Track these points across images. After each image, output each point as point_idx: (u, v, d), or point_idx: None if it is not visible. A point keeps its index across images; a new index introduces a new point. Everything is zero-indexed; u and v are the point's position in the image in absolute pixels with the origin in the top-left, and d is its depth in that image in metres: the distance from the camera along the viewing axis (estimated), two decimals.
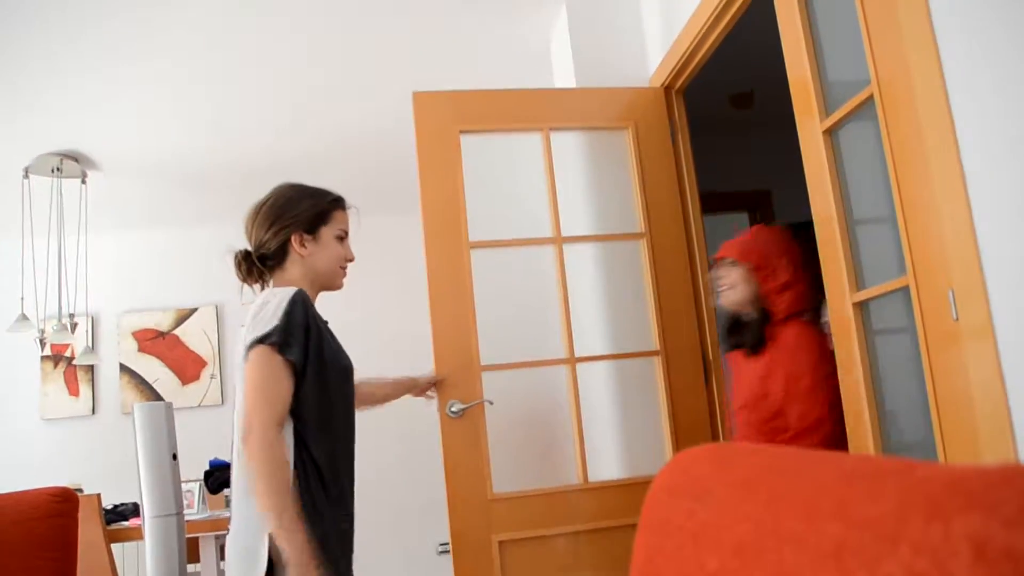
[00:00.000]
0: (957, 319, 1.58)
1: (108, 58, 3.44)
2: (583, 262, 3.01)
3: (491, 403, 2.72)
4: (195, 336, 5.46)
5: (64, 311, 4.59)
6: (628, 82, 3.17)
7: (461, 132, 2.89)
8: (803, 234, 2.81)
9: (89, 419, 5.34)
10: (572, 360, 2.83)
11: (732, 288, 2.43)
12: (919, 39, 1.61)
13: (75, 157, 4.34)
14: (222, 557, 2.90)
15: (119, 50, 3.38)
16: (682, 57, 2.90)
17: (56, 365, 5.35)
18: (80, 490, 4.09)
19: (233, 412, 1.89)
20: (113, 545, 3.72)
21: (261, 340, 1.76)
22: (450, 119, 2.90)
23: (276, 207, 2.02)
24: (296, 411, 1.80)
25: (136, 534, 3.85)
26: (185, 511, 3.39)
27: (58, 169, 4.32)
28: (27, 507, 2.10)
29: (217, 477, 3.61)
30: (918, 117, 1.63)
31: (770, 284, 2.36)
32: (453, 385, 2.71)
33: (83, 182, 4.48)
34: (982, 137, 1.50)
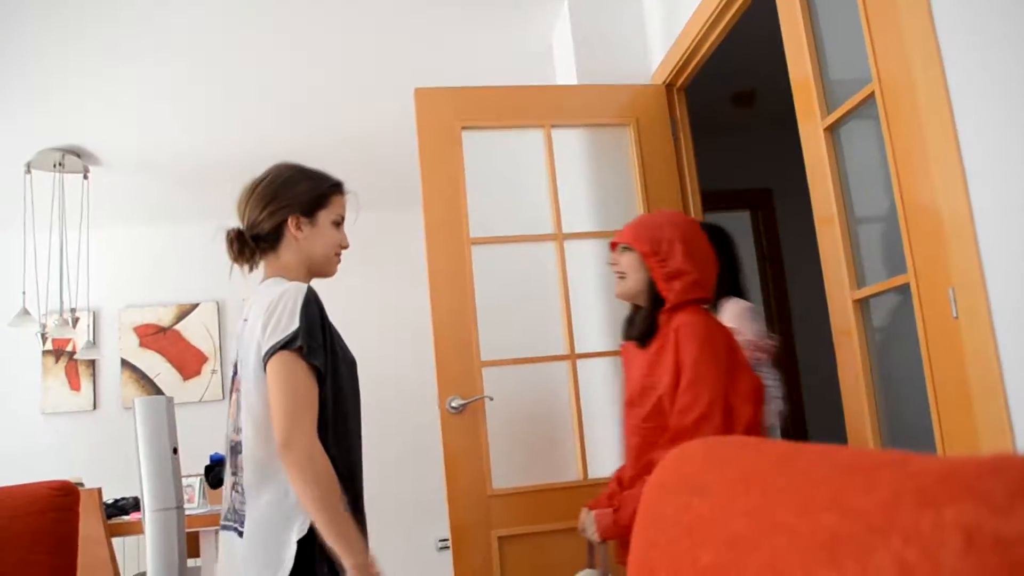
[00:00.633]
0: (957, 316, 1.58)
1: (110, 54, 3.44)
2: (584, 259, 3.01)
3: (491, 399, 2.73)
4: (196, 331, 5.46)
5: (66, 306, 4.60)
6: (630, 79, 3.17)
7: (463, 128, 2.90)
8: (716, 234, 2.74)
9: (90, 414, 5.35)
10: (572, 356, 2.83)
11: (625, 276, 2.23)
12: (920, 37, 1.61)
13: (77, 152, 4.34)
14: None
15: (121, 47, 3.39)
16: (684, 55, 2.90)
17: (57, 360, 5.36)
18: (81, 484, 4.10)
19: (235, 408, 1.87)
20: (113, 539, 3.72)
21: (285, 346, 1.72)
22: (452, 115, 2.90)
23: (273, 186, 1.95)
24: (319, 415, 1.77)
25: (136, 528, 3.86)
26: (185, 506, 3.39)
27: (60, 164, 4.33)
28: (27, 501, 2.10)
29: (218, 472, 3.61)
30: (919, 115, 1.63)
31: (661, 270, 2.14)
32: (453, 381, 2.71)
33: (85, 177, 4.49)
34: (983, 135, 1.50)
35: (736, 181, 4.78)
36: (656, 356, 2.12)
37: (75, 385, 5.35)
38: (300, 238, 1.94)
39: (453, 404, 2.67)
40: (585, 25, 3.29)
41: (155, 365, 5.42)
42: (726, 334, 2.10)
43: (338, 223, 2.00)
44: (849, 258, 1.98)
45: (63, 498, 2.10)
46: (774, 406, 2.74)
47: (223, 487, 1.96)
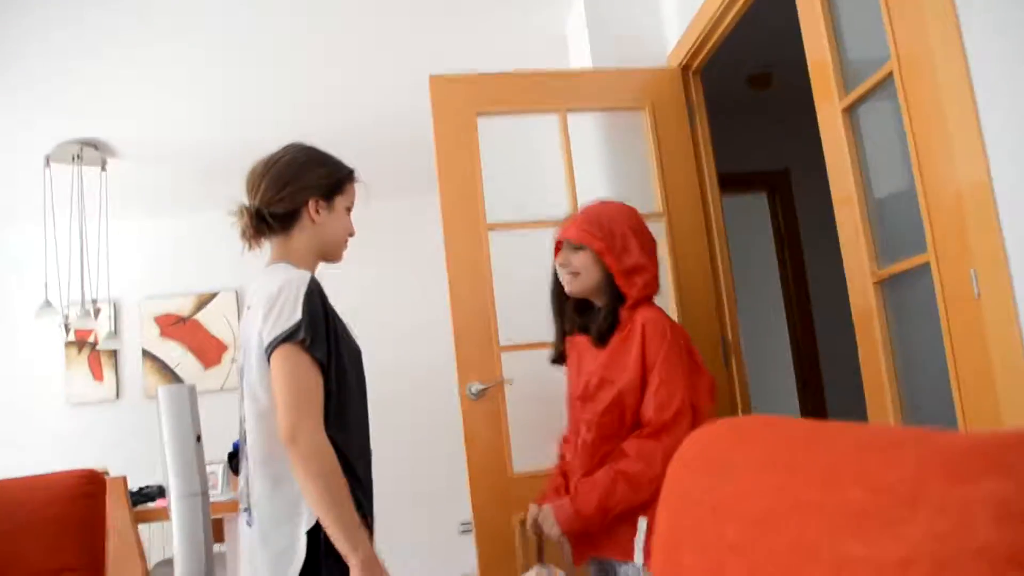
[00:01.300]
0: (979, 296, 1.57)
1: (126, 46, 3.46)
2: None
3: (510, 383, 2.74)
4: (216, 321, 5.51)
5: (87, 297, 4.64)
6: (645, 62, 3.16)
7: (478, 114, 2.90)
8: None
9: (113, 403, 5.41)
10: None
11: (579, 275, 2.17)
12: (940, 13, 1.60)
13: (95, 144, 4.38)
14: None
15: (137, 38, 3.41)
16: (699, 37, 2.88)
17: (80, 350, 5.42)
18: (106, 473, 4.15)
19: (243, 399, 1.87)
20: (139, 526, 3.77)
21: (287, 338, 1.70)
22: (467, 102, 2.90)
23: (293, 167, 1.92)
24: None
25: (161, 515, 3.91)
26: (209, 492, 3.43)
27: (78, 157, 4.36)
28: (56, 489, 2.13)
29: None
30: (939, 93, 1.62)
31: (620, 266, 2.10)
32: (472, 366, 2.72)
33: (103, 169, 4.52)
34: (1004, 112, 1.49)
35: (753, 163, 4.76)
36: (617, 351, 2.10)
37: (98, 375, 5.41)
38: (318, 222, 1.92)
39: (473, 389, 2.68)
40: (599, 8, 3.27)
41: (176, 354, 5.47)
42: (683, 330, 2.15)
43: (349, 210, 2.00)
44: (868, 239, 1.97)
45: (90, 486, 2.13)
46: None
47: (240, 473, 1.96)
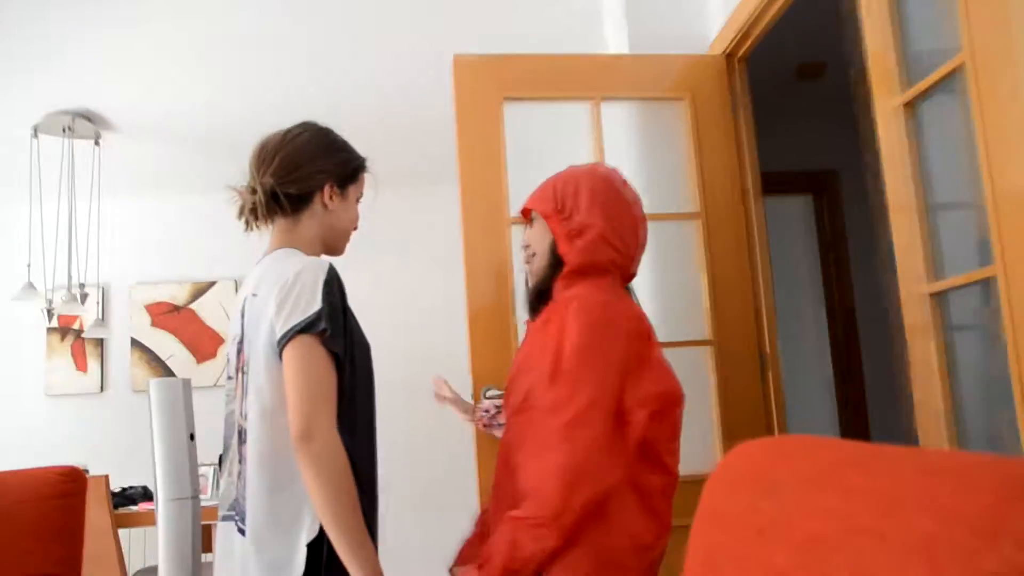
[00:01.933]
0: None
1: (126, 10, 3.48)
2: None
3: None
4: (212, 311, 5.53)
5: (74, 281, 4.67)
6: (686, 48, 3.15)
7: (504, 100, 2.90)
8: None
9: (97, 396, 5.44)
10: None
11: (535, 252, 1.96)
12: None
13: (88, 116, 4.40)
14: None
15: (137, 4, 3.42)
16: (746, 22, 2.87)
17: (63, 338, 5.46)
18: (87, 471, 4.18)
19: (242, 391, 1.84)
20: (120, 530, 3.79)
21: (305, 328, 1.68)
22: (493, 86, 2.90)
23: (311, 148, 1.91)
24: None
25: (145, 519, 3.93)
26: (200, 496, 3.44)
27: (70, 129, 4.39)
28: (33, 486, 2.13)
29: None
30: (1018, 89, 1.60)
31: (563, 228, 1.86)
32: (488, 369, 2.72)
33: (96, 143, 4.55)
34: None
35: (799, 162, 4.74)
36: (540, 335, 1.86)
37: (81, 366, 5.45)
38: (331, 208, 1.92)
39: (488, 394, 2.68)
40: None
41: (167, 346, 5.50)
42: (632, 318, 1.79)
43: (358, 201, 2.01)
44: (926, 248, 1.96)
45: (70, 484, 2.13)
46: None
47: (223, 474, 1.93)
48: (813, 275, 4.94)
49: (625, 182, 1.96)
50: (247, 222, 1.91)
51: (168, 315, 5.53)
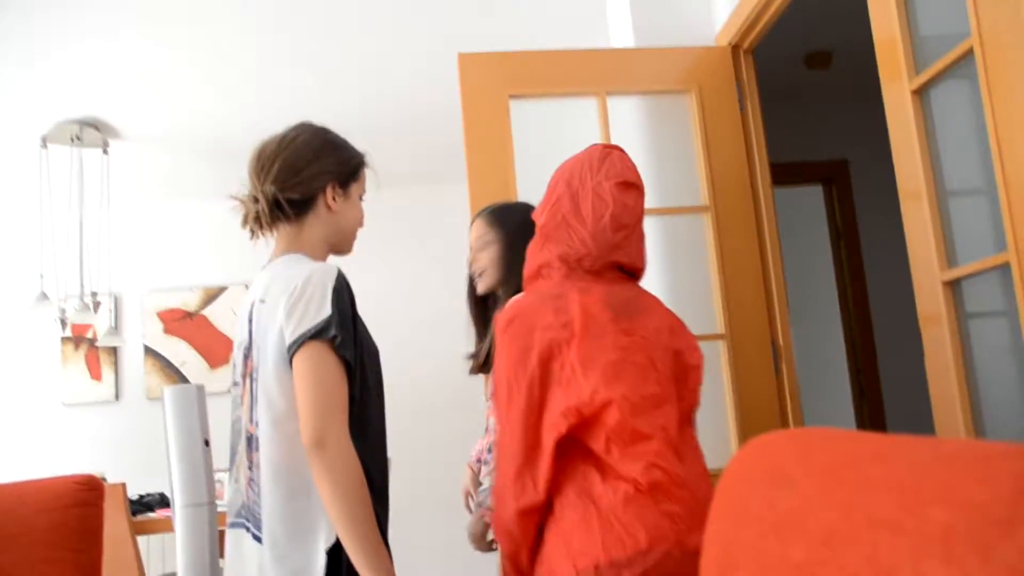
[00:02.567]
0: None
1: (131, 20, 3.49)
2: None
3: None
4: (224, 317, 5.55)
5: (86, 290, 4.69)
6: (692, 41, 3.14)
7: (511, 96, 2.90)
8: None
9: (112, 404, 5.47)
10: None
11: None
12: None
13: (96, 125, 4.42)
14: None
15: (142, 11, 3.44)
16: (752, 12, 2.86)
17: (77, 347, 5.48)
18: (104, 479, 4.20)
19: (250, 398, 1.84)
20: (138, 538, 3.81)
21: (316, 335, 1.67)
22: (499, 82, 2.90)
23: (309, 150, 1.89)
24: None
25: (163, 526, 3.95)
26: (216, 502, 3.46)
27: (78, 138, 4.41)
28: (52, 495, 2.13)
29: None
30: None
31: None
32: None
33: (104, 152, 4.57)
34: None
35: (809, 152, 4.72)
36: None
37: (96, 374, 5.47)
38: (335, 210, 1.90)
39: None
40: None
41: (181, 352, 5.52)
42: (551, 324, 1.67)
43: (361, 198, 1.99)
44: (939, 236, 1.95)
45: (88, 492, 2.13)
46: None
47: (231, 480, 1.92)
48: (825, 265, 4.92)
49: (605, 158, 1.82)
50: (252, 231, 1.90)
51: (180, 322, 5.55)
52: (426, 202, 5.59)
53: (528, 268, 1.82)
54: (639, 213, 1.83)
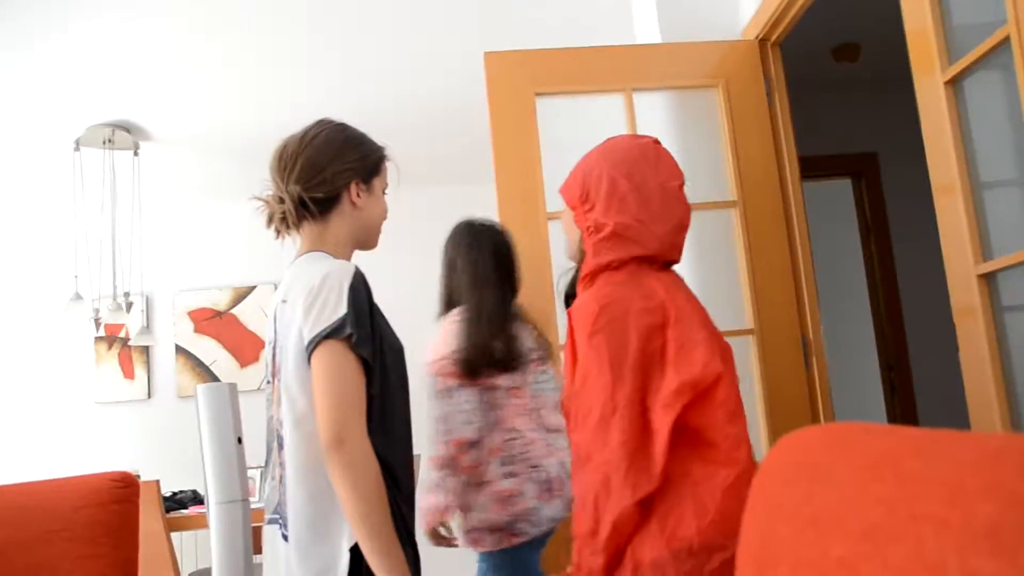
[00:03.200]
0: None
1: (160, 24, 3.52)
2: None
3: None
4: (253, 316, 5.59)
5: (119, 290, 4.74)
6: (718, 35, 3.12)
7: (536, 95, 2.90)
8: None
9: (144, 403, 5.52)
10: None
11: (569, 240, 1.91)
12: None
13: (127, 128, 4.47)
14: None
15: (171, 16, 3.46)
16: (780, 5, 2.83)
17: (110, 347, 5.55)
18: (138, 476, 4.24)
19: (274, 402, 1.85)
20: (172, 534, 3.84)
21: (331, 334, 1.67)
22: (524, 81, 2.90)
23: (331, 147, 1.88)
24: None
25: (196, 523, 3.99)
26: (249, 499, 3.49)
27: (110, 141, 4.46)
28: (88, 492, 2.15)
29: None
30: None
31: (584, 224, 1.78)
32: None
33: (135, 154, 4.62)
34: None
35: (838, 145, 4.68)
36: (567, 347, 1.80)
37: (128, 373, 5.53)
38: (360, 205, 1.89)
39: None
40: None
41: (211, 351, 5.57)
42: (641, 313, 1.66)
43: (385, 192, 1.98)
44: (973, 229, 1.92)
45: (124, 489, 2.16)
46: (458, 432, 2.52)
47: (268, 478, 1.94)
48: (855, 259, 4.88)
49: (659, 155, 1.83)
50: (277, 231, 1.90)
51: (210, 321, 5.60)
52: (454, 201, 5.58)
53: (594, 263, 1.76)
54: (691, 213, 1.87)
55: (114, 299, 4.60)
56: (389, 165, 1.99)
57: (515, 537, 2.48)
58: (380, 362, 1.76)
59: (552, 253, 2.80)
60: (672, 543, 1.56)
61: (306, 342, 1.71)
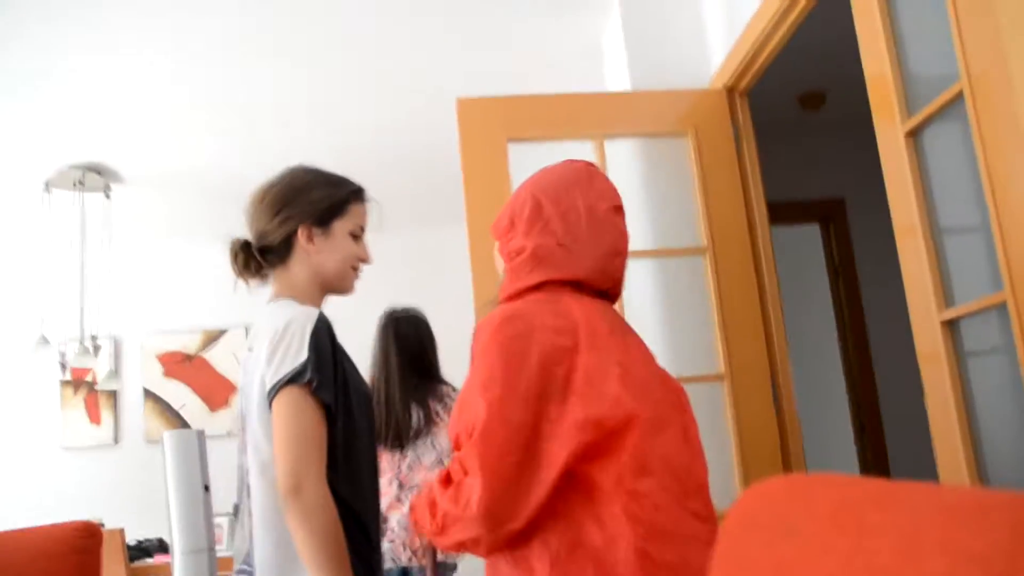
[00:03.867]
0: None
1: (132, 66, 3.53)
2: (641, 279, 3.01)
3: None
4: (224, 359, 5.54)
5: (86, 333, 4.69)
6: (687, 83, 3.17)
7: (509, 141, 2.92)
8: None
9: (111, 448, 5.44)
10: None
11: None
12: (1017, 27, 1.59)
13: (98, 170, 4.46)
14: None
15: (143, 57, 3.48)
16: (747, 56, 2.89)
17: (76, 391, 5.47)
18: (102, 524, 4.17)
19: (243, 450, 1.85)
20: None
21: (292, 380, 1.67)
22: (497, 127, 2.93)
23: (285, 192, 1.89)
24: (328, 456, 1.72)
25: (161, 572, 3.92)
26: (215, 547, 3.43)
27: (80, 183, 4.45)
28: (49, 543, 2.12)
29: None
30: (1016, 114, 1.61)
31: (506, 251, 1.65)
32: None
33: (107, 196, 4.60)
34: None
35: (805, 191, 4.75)
36: None
37: (95, 418, 5.45)
38: (312, 251, 1.88)
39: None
40: (637, 25, 3.30)
41: (180, 396, 5.51)
42: (548, 330, 1.48)
43: (356, 235, 1.94)
44: (935, 275, 1.95)
45: (86, 540, 2.12)
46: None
47: (238, 526, 1.94)
48: (824, 303, 4.92)
49: (592, 177, 1.70)
50: (242, 275, 1.92)
51: (180, 364, 5.55)
52: (426, 245, 5.59)
53: (512, 288, 1.62)
54: (628, 239, 1.73)
55: (81, 342, 4.55)
56: (365, 207, 1.96)
57: None
58: (345, 408, 1.76)
59: None
60: None
61: (267, 388, 1.71)
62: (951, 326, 1.93)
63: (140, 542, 4.27)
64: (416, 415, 3.04)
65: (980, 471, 1.86)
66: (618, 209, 1.69)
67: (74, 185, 4.46)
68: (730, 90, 3.11)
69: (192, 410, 5.49)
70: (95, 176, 4.47)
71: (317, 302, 1.90)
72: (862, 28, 2.17)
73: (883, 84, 2.08)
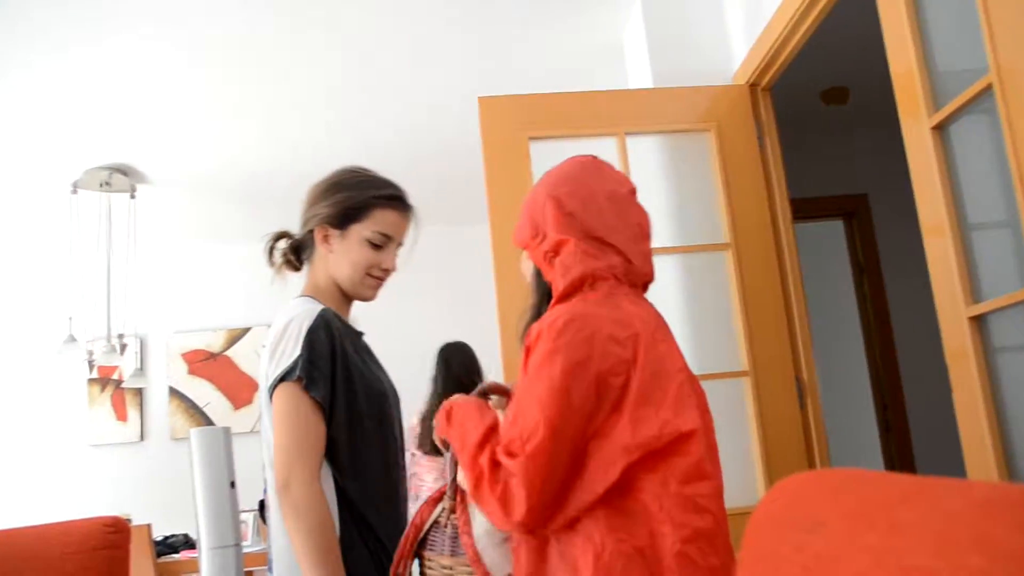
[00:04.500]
0: None
1: (158, 68, 3.55)
2: (663, 275, 2.96)
3: None
4: (247, 358, 5.58)
5: (113, 332, 4.74)
6: (710, 80, 3.16)
7: (530, 139, 2.91)
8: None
9: (137, 445, 5.49)
10: None
11: (529, 288, 1.70)
12: None
13: (124, 171, 4.49)
14: None
15: (169, 60, 3.50)
16: (769, 50, 2.87)
17: (103, 388, 5.52)
18: (129, 520, 4.20)
19: (262, 448, 1.87)
20: None
21: (284, 377, 1.69)
22: (518, 125, 2.92)
23: (319, 190, 1.91)
24: (330, 454, 1.73)
25: (187, 567, 3.94)
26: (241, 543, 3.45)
27: (107, 183, 4.49)
28: (78, 538, 2.13)
29: None
30: None
31: (540, 252, 1.59)
32: None
33: (132, 196, 4.64)
34: None
35: (829, 187, 4.72)
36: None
37: (121, 415, 5.50)
38: (327, 252, 1.88)
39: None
40: (659, 22, 3.28)
41: (205, 393, 5.55)
42: (614, 337, 1.42)
43: (375, 243, 1.86)
44: (963, 270, 1.93)
45: (114, 535, 2.14)
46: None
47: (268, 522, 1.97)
48: (848, 300, 4.89)
49: (599, 167, 1.65)
50: (279, 268, 1.95)
51: (204, 363, 5.58)
52: (450, 244, 5.60)
53: (565, 281, 1.53)
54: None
55: (108, 341, 4.59)
56: (393, 214, 1.89)
57: None
58: (350, 405, 1.76)
59: None
60: None
61: (268, 385, 1.75)
62: (979, 322, 1.91)
63: (166, 538, 4.30)
64: None
65: (1010, 469, 1.84)
66: (634, 192, 1.65)
67: (100, 186, 4.50)
68: (753, 86, 3.08)
69: (216, 408, 5.53)
70: (121, 177, 4.50)
71: (337, 303, 1.90)
72: (887, 22, 2.15)
73: (909, 78, 2.05)
